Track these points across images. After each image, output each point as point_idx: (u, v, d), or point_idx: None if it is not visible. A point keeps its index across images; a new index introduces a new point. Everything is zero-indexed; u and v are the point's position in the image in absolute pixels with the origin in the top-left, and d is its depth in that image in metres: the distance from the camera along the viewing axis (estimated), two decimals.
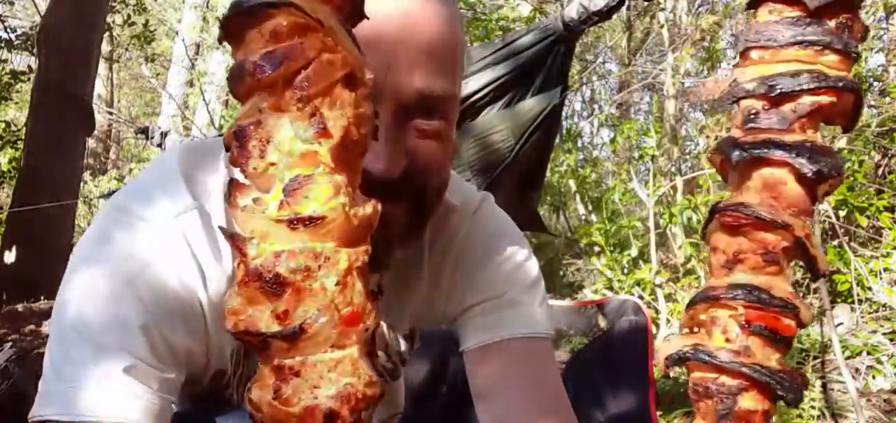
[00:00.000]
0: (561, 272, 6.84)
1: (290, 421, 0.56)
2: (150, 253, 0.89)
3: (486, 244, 1.10)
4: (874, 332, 3.58)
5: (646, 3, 7.32)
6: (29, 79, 7.27)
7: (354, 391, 0.56)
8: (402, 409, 1.35)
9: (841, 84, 0.62)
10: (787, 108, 0.63)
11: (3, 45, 7.92)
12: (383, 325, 1.06)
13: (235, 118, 0.56)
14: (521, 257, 1.11)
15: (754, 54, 0.64)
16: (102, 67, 11.52)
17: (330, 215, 0.54)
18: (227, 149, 0.55)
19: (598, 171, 7.49)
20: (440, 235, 1.08)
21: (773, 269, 0.64)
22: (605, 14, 3.29)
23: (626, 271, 4.84)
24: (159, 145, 5.92)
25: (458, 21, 0.92)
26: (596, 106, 10.27)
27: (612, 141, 7.28)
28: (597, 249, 5.16)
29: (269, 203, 0.54)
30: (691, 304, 0.67)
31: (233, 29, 0.55)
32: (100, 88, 11.82)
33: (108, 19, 8.13)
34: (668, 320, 4.15)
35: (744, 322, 0.64)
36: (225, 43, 0.56)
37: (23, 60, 9.13)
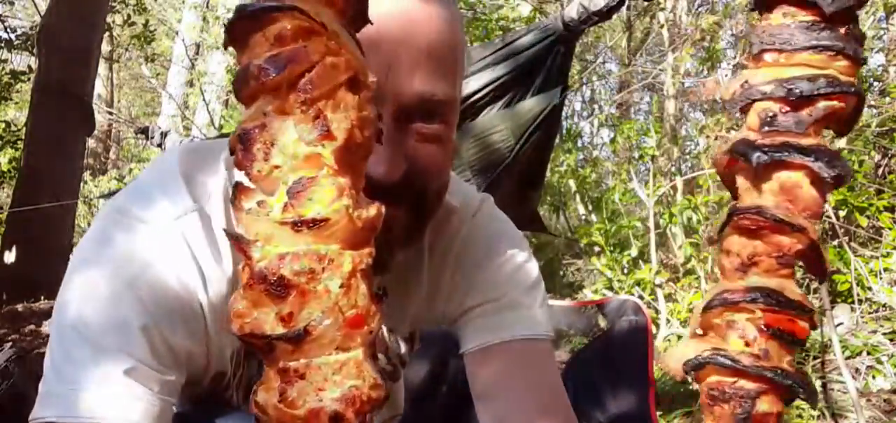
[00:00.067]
0: (561, 272, 6.84)
1: None
2: (151, 255, 0.89)
3: (486, 246, 1.10)
4: (874, 332, 3.58)
5: (646, 3, 7.32)
6: (29, 79, 7.27)
7: (359, 393, 0.56)
8: (401, 410, 1.35)
9: (852, 89, 0.63)
10: (805, 112, 0.63)
11: (3, 45, 7.92)
12: (383, 328, 1.06)
13: (240, 121, 0.56)
14: (521, 259, 1.11)
15: (768, 57, 0.64)
16: (102, 67, 11.52)
17: (334, 217, 0.54)
18: (232, 152, 0.55)
19: (598, 171, 7.49)
20: (440, 237, 1.08)
21: (785, 272, 0.65)
22: (605, 14, 3.29)
23: (626, 271, 4.84)
24: (159, 145, 5.91)
25: (459, 24, 0.92)
26: (596, 106, 10.27)
27: (612, 141, 7.28)
28: (597, 249, 5.17)
29: (273, 206, 0.55)
30: (707, 308, 0.66)
31: (237, 33, 0.55)
32: (100, 88, 11.82)
33: (108, 19, 8.13)
34: (668, 320, 4.15)
35: (763, 326, 0.64)
36: (229, 47, 0.56)
37: (23, 60, 9.13)
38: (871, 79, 5.56)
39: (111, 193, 7.01)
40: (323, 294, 0.55)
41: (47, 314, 5.04)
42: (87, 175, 10.52)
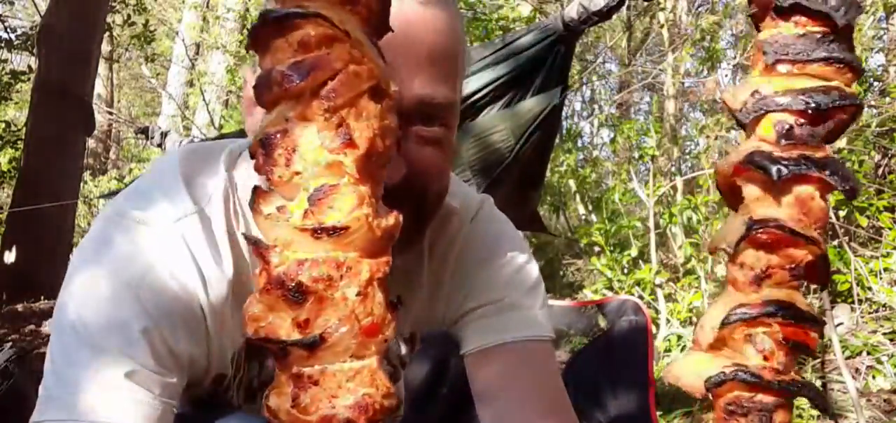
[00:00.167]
0: (561, 272, 6.84)
1: None
2: (151, 257, 0.89)
3: (486, 247, 1.10)
4: (874, 332, 3.58)
5: (646, 3, 7.32)
6: (29, 79, 7.27)
7: (372, 401, 0.56)
8: (401, 411, 1.35)
9: (857, 102, 0.64)
10: (819, 124, 0.64)
11: (3, 45, 7.91)
12: None
13: (262, 126, 0.56)
14: (521, 260, 1.11)
15: (782, 68, 0.64)
16: (102, 67, 11.51)
17: (354, 225, 0.54)
18: (253, 156, 0.55)
19: (598, 171, 7.48)
20: (440, 238, 1.08)
21: (794, 283, 0.65)
22: (605, 14, 3.29)
23: (626, 271, 4.84)
24: (159, 145, 5.90)
25: (459, 27, 0.92)
26: (596, 106, 10.26)
27: (612, 141, 7.28)
28: (597, 249, 5.16)
29: (293, 211, 0.55)
30: (725, 323, 0.66)
31: (260, 38, 0.55)
32: (100, 88, 11.81)
33: (108, 19, 8.12)
34: (668, 320, 4.15)
35: (781, 339, 0.65)
36: (251, 50, 0.57)
37: (23, 60, 9.13)
38: (871, 79, 5.56)
39: (111, 193, 7.01)
40: (340, 302, 0.55)
41: (47, 314, 5.04)
42: (87, 175, 10.52)
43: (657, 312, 4.20)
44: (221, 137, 5.67)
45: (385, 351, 0.57)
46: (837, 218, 4.15)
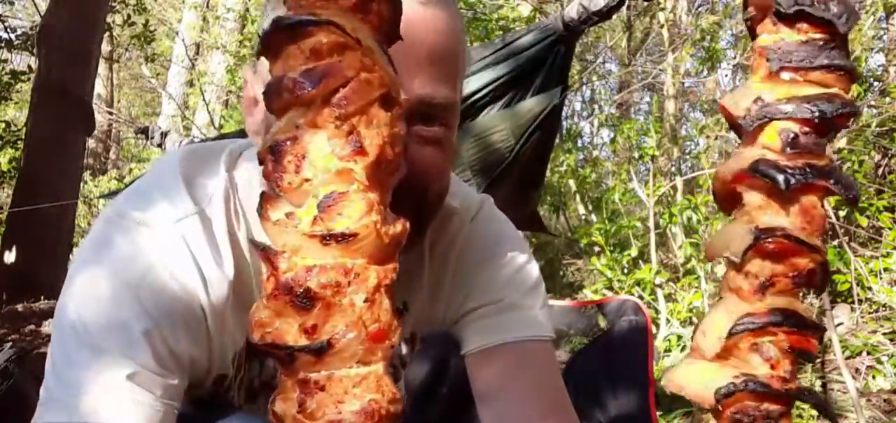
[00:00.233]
0: (561, 272, 6.84)
1: None
2: (152, 258, 0.89)
3: (486, 248, 1.10)
4: (874, 332, 3.59)
5: (646, 3, 7.31)
6: (29, 79, 7.27)
7: (378, 406, 0.56)
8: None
9: (856, 109, 0.65)
10: (823, 132, 0.64)
11: (3, 45, 7.91)
12: None
13: (272, 133, 0.56)
14: (522, 260, 1.11)
15: (785, 75, 0.64)
16: (102, 67, 11.51)
17: (362, 232, 0.55)
18: (261, 162, 0.56)
19: (598, 171, 7.49)
20: (440, 239, 1.08)
21: (795, 290, 0.66)
22: (605, 14, 3.29)
23: (626, 271, 4.84)
24: (159, 145, 5.90)
25: (460, 27, 0.92)
26: (596, 106, 10.26)
27: (612, 141, 7.28)
28: (597, 249, 5.17)
29: (302, 218, 0.55)
30: (732, 333, 0.66)
31: (272, 44, 0.55)
32: (100, 88, 11.81)
33: (108, 19, 8.12)
34: (668, 320, 4.15)
35: (787, 348, 0.65)
36: (262, 56, 0.57)
37: (23, 60, 9.13)
38: (871, 79, 5.56)
39: (111, 193, 7.01)
40: (348, 308, 0.55)
41: (47, 314, 5.04)
42: (87, 175, 10.52)
43: (657, 312, 4.20)
44: (221, 137, 5.67)
45: (391, 357, 0.58)
46: (837, 218, 4.15)
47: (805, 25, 0.64)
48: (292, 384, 0.57)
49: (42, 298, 5.63)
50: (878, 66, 6.10)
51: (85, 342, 0.85)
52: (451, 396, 1.25)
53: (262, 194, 0.57)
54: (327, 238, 0.54)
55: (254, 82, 0.95)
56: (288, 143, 0.54)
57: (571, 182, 6.43)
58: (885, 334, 3.53)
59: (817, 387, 3.10)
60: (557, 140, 5.34)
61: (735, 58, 7.52)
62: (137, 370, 0.85)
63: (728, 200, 0.69)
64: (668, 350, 3.89)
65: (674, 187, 5.83)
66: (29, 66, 7.59)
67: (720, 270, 4.42)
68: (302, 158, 0.54)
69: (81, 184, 7.87)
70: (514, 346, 1.06)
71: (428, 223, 0.96)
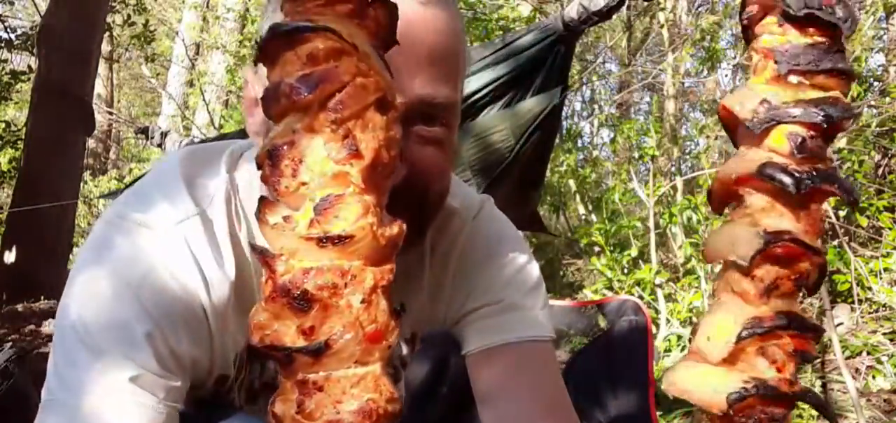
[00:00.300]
0: (561, 272, 6.84)
1: None
2: (153, 259, 0.89)
3: (486, 249, 1.10)
4: (874, 332, 3.59)
5: (646, 3, 7.32)
6: (29, 79, 7.27)
7: (376, 406, 0.57)
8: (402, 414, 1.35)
9: (855, 113, 0.65)
10: (828, 137, 0.65)
11: (3, 45, 7.91)
12: None
13: (269, 138, 0.57)
14: (522, 261, 1.11)
15: (793, 78, 0.64)
16: (102, 67, 11.52)
17: (358, 234, 0.55)
18: (260, 167, 0.56)
19: (598, 171, 7.49)
20: (441, 239, 1.08)
21: (795, 293, 0.66)
22: (605, 14, 3.28)
23: (626, 271, 4.84)
24: (159, 145, 5.90)
25: (460, 27, 0.92)
26: (596, 106, 10.26)
27: (612, 141, 7.28)
28: (597, 249, 5.17)
29: (299, 221, 0.56)
30: (741, 339, 0.66)
31: (270, 50, 0.56)
32: (100, 87, 11.82)
33: (108, 19, 8.12)
34: (668, 320, 4.15)
35: (791, 350, 0.65)
36: (260, 63, 0.58)
37: (23, 60, 9.13)
38: (871, 79, 5.56)
39: (111, 193, 7.01)
40: (345, 309, 0.56)
41: (47, 314, 5.04)
42: (87, 175, 10.52)
43: (657, 312, 4.20)
44: (221, 137, 5.67)
45: (389, 357, 0.58)
46: (837, 218, 4.15)
47: (812, 28, 0.64)
48: (291, 385, 0.57)
49: (42, 298, 5.63)
50: (878, 66, 6.10)
51: (86, 344, 0.85)
52: (451, 395, 1.25)
53: (261, 198, 0.57)
54: (324, 240, 0.55)
55: (255, 83, 0.95)
56: (285, 147, 0.55)
57: (571, 182, 6.43)
58: (885, 334, 3.53)
59: (817, 387, 3.10)
60: (557, 140, 5.35)
61: (735, 58, 7.52)
62: (140, 373, 0.85)
63: (723, 201, 0.69)
64: (668, 350, 3.89)
65: (674, 187, 5.83)
66: (29, 66, 7.59)
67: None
68: (299, 162, 0.55)
69: (81, 184, 7.88)
70: (514, 346, 1.06)
71: (429, 224, 0.96)
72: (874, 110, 5.03)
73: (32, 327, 4.85)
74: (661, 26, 7.27)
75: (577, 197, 6.59)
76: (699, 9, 8.67)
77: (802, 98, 0.64)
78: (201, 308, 0.91)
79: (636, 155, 6.11)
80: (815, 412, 2.75)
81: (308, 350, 0.55)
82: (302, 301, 0.55)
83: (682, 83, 8.31)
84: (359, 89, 0.55)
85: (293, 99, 0.54)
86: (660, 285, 4.42)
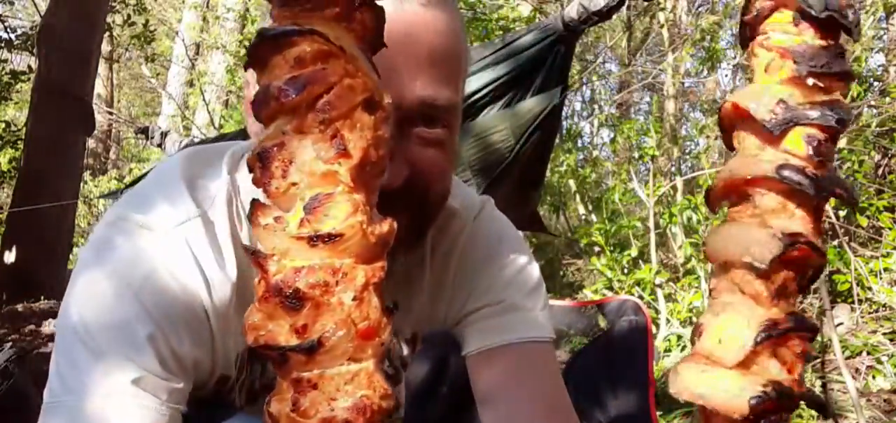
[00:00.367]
0: (561, 272, 6.85)
1: None
2: (154, 262, 0.89)
3: (487, 250, 1.10)
4: (874, 332, 3.59)
5: (646, 3, 7.32)
6: (29, 79, 7.28)
7: (370, 403, 0.57)
8: (402, 413, 1.35)
9: (852, 116, 0.66)
10: (836, 140, 0.65)
11: (3, 45, 7.92)
12: None
13: (259, 141, 0.57)
14: (523, 262, 1.11)
15: (810, 81, 0.64)
16: (102, 67, 11.52)
17: (348, 232, 0.56)
18: (250, 169, 0.57)
19: (598, 171, 7.49)
20: (442, 240, 1.09)
21: (797, 293, 0.66)
22: (605, 14, 3.29)
23: (626, 271, 4.84)
24: (159, 145, 5.91)
25: (461, 28, 0.92)
26: (596, 106, 10.26)
27: (612, 141, 7.28)
28: (597, 249, 5.17)
29: (290, 221, 0.56)
30: (758, 342, 0.66)
31: (259, 55, 0.57)
32: (100, 87, 11.82)
33: (108, 19, 8.12)
34: (668, 320, 4.15)
35: (799, 352, 0.65)
36: (250, 68, 0.58)
37: (23, 60, 9.13)
38: (871, 79, 5.56)
39: (111, 193, 7.01)
40: (336, 307, 0.56)
41: (47, 314, 5.04)
42: (87, 175, 10.53)
43: (657, 312, 4.20)
44: (221, 137, 5.68)
45: (382, 354, 0.59)
46: (837, 218, 4.15)
47: (828, 31, 0.64)
48: (287, 383, 0.58)
49: (42, 298, 5.64)
50: (878, 66, 6.11)
51: (88, 346, 0.85)
52: (451, 395, 1.26)
53: (253, 201, 0.58)
54: (314, 239, 0.55)
55: (255, 84, 0.95)
56: (274, 149, 0.56)
57: (571, 182, 6.43)
58: (885, 334, 3.54)
59: (817, 387, 3.10)
60: (557, 140, 5.35)
61: (735, 58, 7.52)
62: (142, 375, 0.85)
63: (723, 199, 0.69)
64: (668, 350, 3.89)
65: (674, 187, 5.83)
66: (29, 67, 7.59)
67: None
68: (289, 162, 0.56)
69: (81, 184, 7.88)
70: (515, 347, 1.06)
71: (430, 224, 0.96)
72: (874, 110, 5.03)
73: (32, 327, 4.85)
74: (661, 26, 7.27)
75: (577, 197, 6.60)
76: (699, 9, 8.68)
77: (816, 100, 0.64)
78: (203, 310, 0.91)
79: (636, 155, 6.11)
80: (815, 412, 2.75)
81: (301, 349, 0.56)
82: (294, 300, 0.56)
83: (682, 83, 8.31)
84: (346, 90, 0.55)
85: (282, 101, 0.55)
86: (660, 285, 4.42)
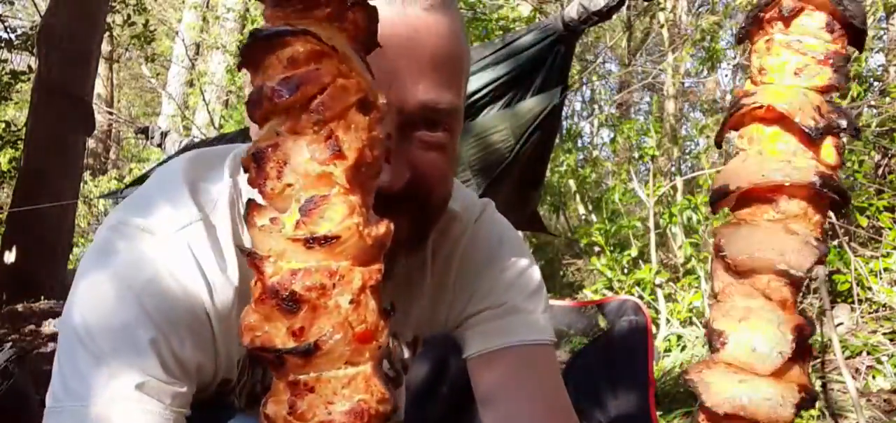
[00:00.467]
0: (561, 272, 6.85)
1: None
2: (156, 266, 0.88)
3: (488, 252, 1.10)
4: (874, 332, 3.59)
5: (646, 3, 7.32)
6: (29, 79, 7.27)
7: (367, 406, 0.57)
8: (402, 416, 1.35)
9: None
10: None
11: (3, 45, 7.91)
12: None
13: (254, 141, 0.57)
14: (523, 264, 1.11)
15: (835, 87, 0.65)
16: (102, 67, 11.52)
17: (345, 234, 0.55)
18: (246, 170, 0.57)
19: (598, 171, 7.49)
20: (442, 243, 1.08)
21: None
22: (605, 14, 3.29)
23: (626, 271, 4.84)
24: (159, 145, 5.91)
25: (462, 32, 0.92)
26: (596, 106, 10.26)
27: (612, 141, 7.28)
28: (597, 249, 5.17)
29: (285, 223, 0.56)
30: (795, 349, 0.66)
31: (251, 56, 0.57)
32: (100, 87, 11.82)
33: (108, 19, 8.12)
34: (668, 320, 4.15)
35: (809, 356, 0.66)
36: (243, 68, 0.58)
37: (23, 60, 9.13)
38: (871, 79, 5.56)
39: (111, 193, 7.01)
40: (333, 310, 0.56)
41: (47, 314, 5.04)
42: (87, 175, 10.53)
43: (657, 312, 4.20)
44: (222, 137, 5.67)
45: (380, 357, 0.58)
46: (837, 218, 4.15)
47: (852, 38, 0.64)
48: (283, 386, 0.58)
49: (42, 298, 5.63)
50: (878, 66, 6.11)
51: (91, 351, 0.85)
52: (451, 395, 1.26)
53: (249, 201, 0.58)
54: (310, 241, 0.55)
55: (246, 99, 0.95)
56: (269, 150, 0.56)
57: (571, 182, 6.43)
58: (885, 334, 3.54)
59: (817, 387, 3.10)
60: (557, 140, 5.35)
61: (735, 58, 7.52)
62: (145, 379, 0.84)
63: (748, 203, 0.67)
64: (668, 350, 3.89)
65: (674, 187, 5.83)
66: (29, 67, 7.59)
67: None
68: (283, 164, 0.55)
69: (81, 184, 7.87)
70: (516, 350, 1.06)
71: (431, 228, 0.96)
72: (874, 110, 5.03)
73: (32, 327, 4.85)
74: (661, 26, 7.27)
75: (577, 197, 6.60)
76: (699, 9, 8.67)
77: (836, 108, 0.64)
78: (205, 313, 0.91)
79: (636, 155, 6.11)
80: (814, 412, 2.75)
81: (298, 351, 0.56)
82: (291, 303, 0.55)
83: (682, 83, 8.31)
84: (340, 90, 0.55)
85: (275, 102, 0.55)
86: (660, 285, 4.42)
